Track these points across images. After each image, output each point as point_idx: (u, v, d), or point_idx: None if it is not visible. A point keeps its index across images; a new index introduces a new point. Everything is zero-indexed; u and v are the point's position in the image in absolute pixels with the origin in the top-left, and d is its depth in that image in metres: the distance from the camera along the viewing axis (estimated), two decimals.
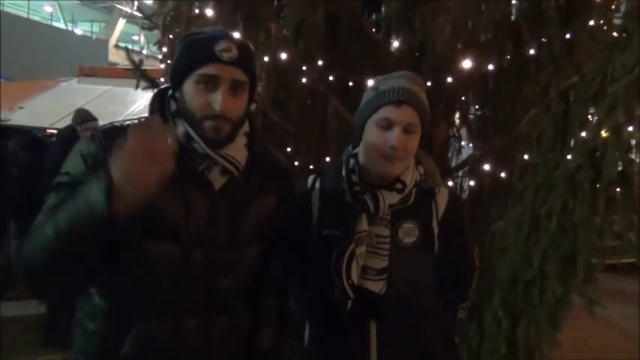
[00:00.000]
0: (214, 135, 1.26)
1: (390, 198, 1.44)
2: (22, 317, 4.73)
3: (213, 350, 1.30)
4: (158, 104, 1.33)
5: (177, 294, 1.25)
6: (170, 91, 1.34)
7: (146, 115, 1.36)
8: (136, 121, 1.33)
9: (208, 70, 1.24)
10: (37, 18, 22.12)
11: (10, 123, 6.25)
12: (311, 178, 1.63)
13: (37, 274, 1.16)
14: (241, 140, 1.35)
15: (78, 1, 25.32)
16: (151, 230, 1.23)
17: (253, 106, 3.01)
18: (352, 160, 1.51)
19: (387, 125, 1.42)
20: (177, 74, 1.29)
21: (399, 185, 1.45)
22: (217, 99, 1.24)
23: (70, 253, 1.10)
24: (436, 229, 1.48)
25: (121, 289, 1.26)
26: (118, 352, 1.23)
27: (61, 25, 24.28)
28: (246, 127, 1.38)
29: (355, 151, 1.53)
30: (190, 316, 1.27)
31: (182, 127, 1.28)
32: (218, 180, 1.31)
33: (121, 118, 5.99)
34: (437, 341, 1.48)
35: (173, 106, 1.31)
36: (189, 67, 1.26)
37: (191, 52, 1.27)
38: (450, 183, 2.89)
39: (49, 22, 22.65)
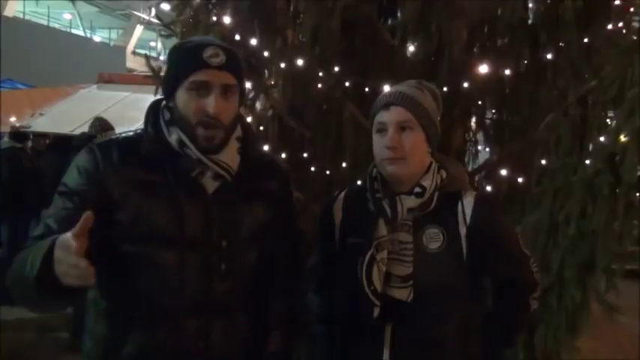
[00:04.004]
0: (206, 144, 1.30)
1: (408, 202, 1.44)
2: (42, 320, 4.79)
3: (214, 353, 1.33)
4: (152, 115, 1.37)
5: (176, 298, 1.29)
6: (164, 102, 1.38)
7: (141, 126, 1.39)
8: (131, 134, 1.40)
9: (199, 76, 1.28)
10: (56, 25, 22.50)
11: (31, 129, 6.38)
12: (337, 192, 1.65)
13: (14, 293, 1.22)
14: (234, 145, 1.38)
15: (97, 9, 25.72)
16: (146, 236, 1.28)
17: (270, 112, 3.05)
18: (375, 169, 1.52)
19: (382, 129, 1.45)
20: (170, 83, 1.34)
21: (418, 189, 1.44)
22: (210, 103, 1.28)
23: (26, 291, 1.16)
24: (463, 234, 1.45)
25: (123, 294, 1.31)
26: (120, 355, 1.28)
27: (80, 32, 24.68)
28: (238, 132, 1.41)
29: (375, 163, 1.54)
30: (189, 319, 1.30)
31: (175, 135, 1.32)
32: (211, 184, 1.35)
33: (139, 123, 6.06)
34: (456, 355, 1.45)
35: (167, 115, 1.35)
36: (181, 76, 1.30)
37: (181, 61, 1.32)
38: None
39: (68, 30, 23.02)
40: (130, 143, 1.35)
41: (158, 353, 1.29)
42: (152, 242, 1.28)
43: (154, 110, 1.38)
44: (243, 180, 1.38)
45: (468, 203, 1.48)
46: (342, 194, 1.62)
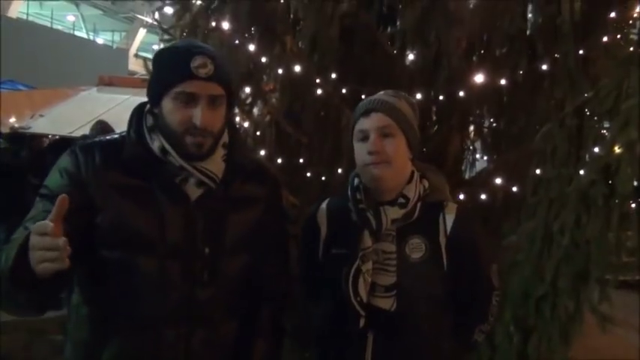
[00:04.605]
0: (196, 150, 1.28)
1: (392, 213, 1.45)
2: (35, 322, 4.79)
3: None
4: (136, 120, 1.35)
5: (155, 305, 1.27)
6: (147, 107, 1.36)
7: (124, 130, 1.37)
8: (115, 137, 1.37)
9: (186, 87, 1.25)
10: (59, 27, 22.57)
11: (31, 131, 6.39)
12: (316, 204, 1.65)
13: None
14: (219, 152, 1.36)
15: (100, 11, 25.80)
16: (126, 242, 1.26)
17: (267, 118, 3.07)
18: (356, 180, 1.53)
19: (364, 137, 1.46)
20: (155, 91, 1.31)
21: (401, 200, 1.46)
22: (197, 114, 1.25)
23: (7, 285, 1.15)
24: (444, 244, 1.47)
25: (104, 300, 1.29)
26: None
27: (83, 34, 24.76)
28: (225, 138, 1.38)
29: (357, 171, 1.55)
30: (169, 327, 1.28)
31: (158, 142, 1.30)
32: (194, 191, 1.32)
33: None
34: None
35: (150, 120, 1.33)
36: (167, 85, 1.27)
37: (167, 70, 1.29)
38: (462, 196, 2.87)
39: (71, 32, 23.08)
40: (113, 146, 1.32)
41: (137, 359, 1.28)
42: (132, 248, 1.26)
43: (137, 114, 1.35)
44: (229, 187, 1.36)
45: (449, 214, 1.50)
46: (324, 205, 1.62)
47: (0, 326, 4.63)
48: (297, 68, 2.82)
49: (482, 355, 2.62)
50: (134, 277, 1.26)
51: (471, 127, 3.61)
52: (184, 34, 2.96)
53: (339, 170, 2.92)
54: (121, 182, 1.28)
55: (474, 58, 3.13)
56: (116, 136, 1.38)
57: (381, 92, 1.52)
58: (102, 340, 1.27)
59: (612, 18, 2.74)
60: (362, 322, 1.42)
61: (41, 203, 1.27)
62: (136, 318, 1.27)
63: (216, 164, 1.33)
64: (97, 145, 1.32)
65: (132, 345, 1.27)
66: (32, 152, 6.06)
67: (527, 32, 3.03)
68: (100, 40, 25.46)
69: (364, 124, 1.46)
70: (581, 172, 2.47)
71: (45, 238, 1.03)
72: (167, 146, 1.28)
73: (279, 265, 1.51)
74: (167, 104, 1.28)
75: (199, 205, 1.32)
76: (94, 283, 1.29)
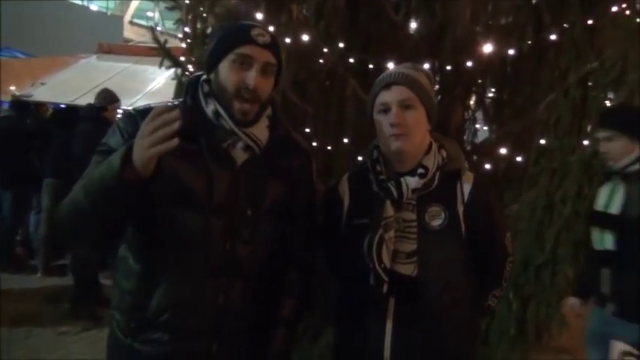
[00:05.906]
0: (241, 117, 1.40)
1: (413, 183, 1.49)
2: (43, 289, 4.88)
3: (232, 310, 1.43)
4: (191, 88, 1.48)
5: (199, 258, 1.39)
6: (203, 77, 1.48)
7: (178, 99, 1.49)
8: (169, 104, 1.47)
9: (245, 50, 1.38)
10: None
11: (32, 99, 6.36)
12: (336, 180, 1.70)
13: (66, 226, 1.35)
14: (264, 122, 1.47)
15: None
16: (176, 199, 1.37)
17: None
18: (375, 151, 1.58)
19: (385, 109, 1.50)
20: (215, 56, 1.43)
21: (421, 170, 1.50)
22: (251, 76, 1.38)
23: (93, 207, 1.25)
24: (461, 211, 1.50)
25: (151, 253, 1.40)
26: (146, 308, 1.38)
27: (77, 0, 24.28)
28: (269, 111, 1.50)
29: (377, 142, 1.59)
30: (210, 278, 1.40)
31: (212, 106, 1.42)
32: (240, 156, 1.44)
33: (139, 96, 6.06)
34: (452, 330, 1.51)
35: (205, 88, 1.45)
36: (227, 49, 1.39)
37: (229, 36, 1.42)
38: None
39: None
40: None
41: (180, 307, 1.39)
42: (181, 205, 1.37)
43: (193, 83, 1.49)
44: (269, 155, 1.46)
45: (466, 182, 1.54)
46: (345, 177, 1.67)
47: (7, 293, 4.73)
48: (304, 37, 2.81)
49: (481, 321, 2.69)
50: (181, 232, 1.38)
51: (473, 98, 3.62)
52: (189, 1, 2.94)
53: (345, 140, 2.93)
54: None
55: (479, 28, 3.11)
56: (170, 103, 1.49)
57: (400, 65, 1.55)
58: (149, 289, 1.39)
59: None
60: (385, 288, 1.47)
61: (101, 157, 1.36)
62: (180, 269, 1.38)
63: (261, 131, 1.45)
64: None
65: (176, 293, 1.39)
66: (37, 120, 6.03)
67: (533, 1, 3.01)
68: (94, 7, 24.95)
69: (385, 96, 1.49)
70: (585, 142, 2.50)
71: (157, 118, 1.14)
72: (220, 110, 1.41)
73: (307, 232, 1.61)
74: (224, 67, 1.40)
75: (244, 170, 1.44)
76: (145, 236, 1.41)
